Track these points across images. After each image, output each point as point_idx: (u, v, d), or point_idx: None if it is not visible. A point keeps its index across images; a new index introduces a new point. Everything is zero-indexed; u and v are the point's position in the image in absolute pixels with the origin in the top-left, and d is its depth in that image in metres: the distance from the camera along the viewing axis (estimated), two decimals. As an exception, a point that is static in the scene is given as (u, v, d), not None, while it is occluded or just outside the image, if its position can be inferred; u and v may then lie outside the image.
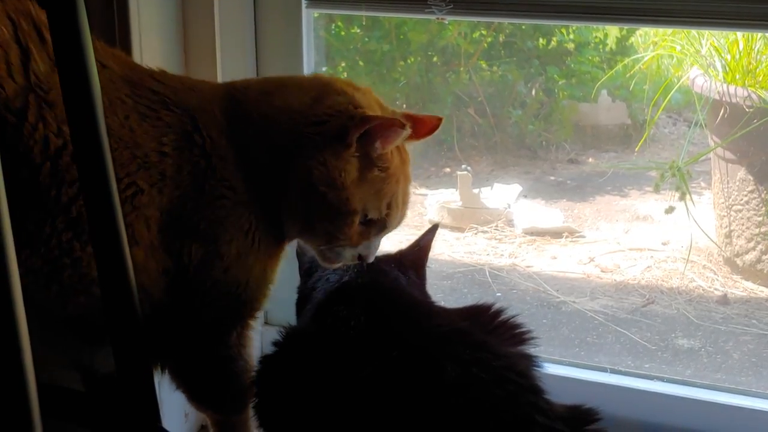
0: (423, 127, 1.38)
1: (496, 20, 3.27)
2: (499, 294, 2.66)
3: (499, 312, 1.34)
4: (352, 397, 1.17)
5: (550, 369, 1.36)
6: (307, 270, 1.47)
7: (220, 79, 1.72)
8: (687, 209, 2.68)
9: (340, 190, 1.29)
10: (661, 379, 1.77)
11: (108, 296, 1.20)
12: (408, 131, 1.30)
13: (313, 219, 1.32)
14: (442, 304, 1.43)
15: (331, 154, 1.28)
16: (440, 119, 1.38)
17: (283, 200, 1.31)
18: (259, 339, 1.88)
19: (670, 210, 2.74)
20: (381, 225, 1.35)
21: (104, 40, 1.33)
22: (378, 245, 1.39)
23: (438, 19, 1.58)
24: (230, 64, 1.73)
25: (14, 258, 0.91)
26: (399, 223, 1.39)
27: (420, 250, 1.45)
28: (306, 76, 1.63)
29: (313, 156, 1.28)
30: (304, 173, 1.28)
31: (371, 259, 1.37)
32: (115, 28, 1.58)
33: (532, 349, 1.31)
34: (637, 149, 3.31)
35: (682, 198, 2.70)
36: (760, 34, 2.62)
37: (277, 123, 1.30)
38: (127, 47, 1.58)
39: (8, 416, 0.93)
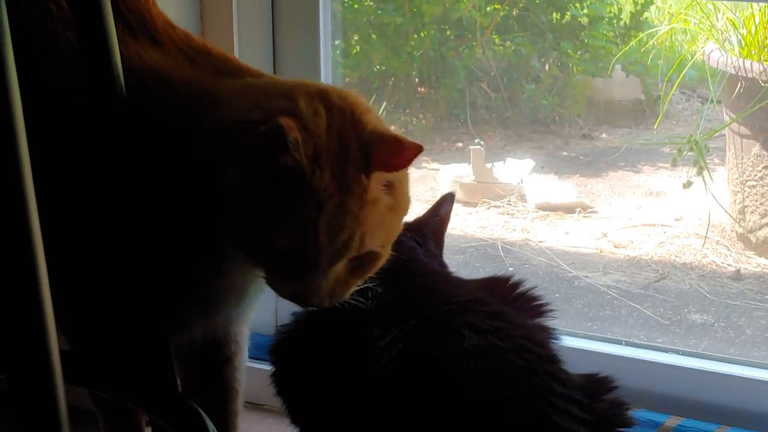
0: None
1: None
2: (511, 269, 2.66)
3: (517, 284, 1.33)
4: (370, 365, 1.17)
5: (565, 341, 1.36)
6: None
7: (236, 52, 1.72)
8: (705, 184, 2.67)
9: None
10: (677, 352, 1.77)
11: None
12: None
13: None
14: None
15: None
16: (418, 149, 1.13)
17: None
18: (274, 310, 1.89)
19: (687, 185, 2.73)
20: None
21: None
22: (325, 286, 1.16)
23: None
24: (247, 37, 1.73)
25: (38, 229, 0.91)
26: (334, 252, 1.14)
27: (440, 220, 1.43)
28: None
29: None
30: None
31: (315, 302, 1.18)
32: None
33: (549, 322, 1.31)
34: (655, 127, 3.30)
35: (699, 173, 2.69)
36: (777, 8, 2.61)
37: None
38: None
39: (31, 383, 0.94)
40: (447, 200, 1.45)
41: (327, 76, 1.78)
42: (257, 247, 1.17)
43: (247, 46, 1.73)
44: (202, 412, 1.23)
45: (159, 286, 1.24)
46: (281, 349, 1.29)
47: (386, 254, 1.22)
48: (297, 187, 1.11)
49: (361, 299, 1.24)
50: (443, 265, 1.43)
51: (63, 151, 1.25)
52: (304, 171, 1.11)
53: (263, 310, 1.86)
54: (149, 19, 1.29)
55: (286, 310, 1.37)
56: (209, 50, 1.31)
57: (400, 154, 1.14)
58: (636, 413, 1.21)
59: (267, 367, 1.31)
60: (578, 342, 1.80)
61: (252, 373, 1.63)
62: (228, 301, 1.34)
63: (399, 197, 1.20)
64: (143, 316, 1.25)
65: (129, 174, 1.20)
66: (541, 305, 1.32)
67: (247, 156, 1.13)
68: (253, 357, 1.79)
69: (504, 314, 1.22)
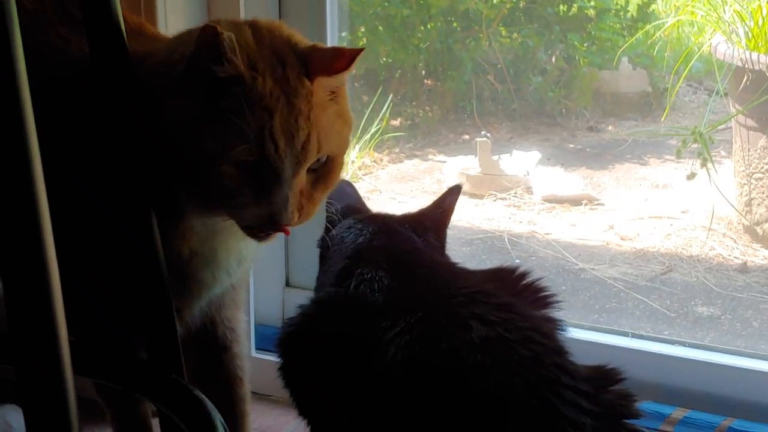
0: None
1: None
2: (518, 261, 2.66)
3: (523, 275, 1.33)
4: (378, 357, 1.18)
5: (572, 333, 1.36)
6: (330, 221, 1.44)
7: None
8: (709, 176, 2.67)
9: None
10: (683, 344, 1.77)
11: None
12: None
13: None
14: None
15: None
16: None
17: None
18: (281, 301, 1.90)
19: (691, 176, 2.73)
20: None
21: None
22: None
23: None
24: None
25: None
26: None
27: (442, 212, 1.43)
28: None
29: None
30: None
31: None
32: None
33: (556, 313, 1.31)
34: (662, 119, 3.29)
35: (703, 165, 2.68)
36: (784, 0, 2.60)
37: None
38: (151, 5, 1.58)
39: (41, 373, 0.94)
40: (452, 192, 1.44)
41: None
42: (214, 175, 1.14)
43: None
44: (207, 400, 1.23)
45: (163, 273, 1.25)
46: (288, 342, 1.29)
47: (341, 165, 1.24)
48: (241, 96, 1.11)
49: (368, 291, 1.24)
50: (445, 257, 1.43)
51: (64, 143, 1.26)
52: (243, 78, 1.11)
53: (270, 302, 1.87)
54: None
55: (293, 302, 1.38)
56: (157, 34, 1.36)
57: (340, 57, 1.17)
58: (643, 405, 1.21)
59: (273, 358, 1.32)
60: (585, 334, 1.80)
61: (259, 364, 1.64)
62: (204, 277, 1.32)
63: (344, 111, 1.23)
64: (150, 304, 1.26)
65: (130, 154, 1.21)
66: (548, 296, 1.32)
67: (180, 83, 1.14)
68: (260, 348, 1.80)
69: (511, 306, 1.22)
